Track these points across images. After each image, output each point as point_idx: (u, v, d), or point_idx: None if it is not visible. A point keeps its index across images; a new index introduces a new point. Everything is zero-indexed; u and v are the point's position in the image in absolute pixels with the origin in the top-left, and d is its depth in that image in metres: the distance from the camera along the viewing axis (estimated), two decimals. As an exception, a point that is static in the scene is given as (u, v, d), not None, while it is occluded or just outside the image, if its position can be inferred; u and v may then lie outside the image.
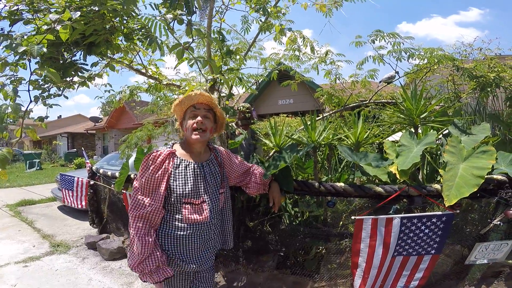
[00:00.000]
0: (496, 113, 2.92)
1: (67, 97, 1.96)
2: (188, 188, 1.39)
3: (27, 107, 1.53)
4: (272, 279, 2.10)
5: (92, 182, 3.85)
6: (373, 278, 1.64)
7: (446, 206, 1.42)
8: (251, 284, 2.13)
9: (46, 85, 1.79)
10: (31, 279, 2.80)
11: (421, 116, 1.96)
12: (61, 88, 1.89)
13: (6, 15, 1.52)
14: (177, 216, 1.40)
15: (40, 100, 1.76)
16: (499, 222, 1.50)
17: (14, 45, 1.40)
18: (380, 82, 3.64)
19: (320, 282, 1.98)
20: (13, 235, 4.15)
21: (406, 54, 2.57)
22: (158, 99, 3.74)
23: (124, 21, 1.81)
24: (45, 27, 1.51)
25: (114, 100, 3.37)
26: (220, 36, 2.44)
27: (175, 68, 2.18)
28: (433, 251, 1.59)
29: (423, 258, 1.62)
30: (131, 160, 3.00)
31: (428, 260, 1.62)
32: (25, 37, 1.49)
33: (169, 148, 1.45)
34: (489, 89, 2.50)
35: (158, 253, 1.33)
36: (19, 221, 4.88)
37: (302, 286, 2.01)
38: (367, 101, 3.34)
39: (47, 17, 1.51)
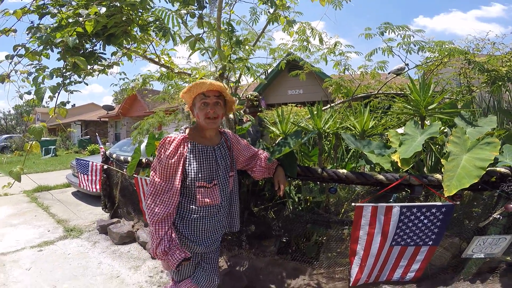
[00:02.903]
0: (510, 107, 2.86)
1: (87, 84, 2.08)
2: (202, 172, 1.45)
3: (59, 91, 1.71)
4: (273, 264, 2.17)
5: (105, 167, 3.99)
6: (370, 266, 1.67)
7: (446, 196, 1.44)
8: (252, 268, 2.20)
9: (67, 73, 1.90)
10: (45, 263, 2.92)
11: (428, 108, 1.96)
12: (82, 76, 2.01)
13: (34, 9, 1.63)
14: (191, 199, 1.46)
15: (62, 86, 1.88)
16: (498, 216, 1.49)
17: (45, 36, 1.52)
18: (389, 73, 3.60)
19: (319, 269, 2.04)
20: (30, 220, 4.33)
21: (416, 46, 2.54)
22: (170, 87, 3.82)
23: (139, 14, 1.89)
24: (69, 20, 1.62)
25: (127, 87, 3.47)
26: (230, 27, 2.47)
27: (188, 57, 2.24)
28: (431, 242, 1.60)
29: (421, 249, 1.63)
30: (143, 146, 3.11)
31: (425, 251, 1.63)
32: (48, 29, 1.62)
33: (182, 133, 1.49)
34: (500, 83, 2.45)
35: (172, 238, 1.38)
36: (36, 207, 5.08)
37: (301, 273, 2.07)
38: (376, 92, 3.32)
39: (75, 12, 1.62)
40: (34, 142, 1.66)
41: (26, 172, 9.04)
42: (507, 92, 2.90)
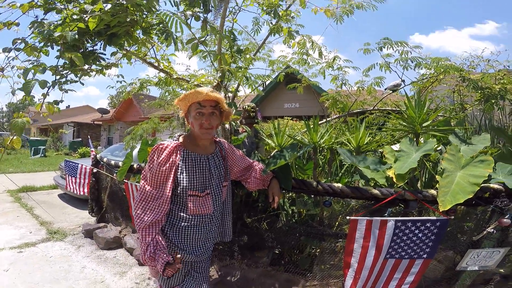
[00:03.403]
0: (501, 126, 2.93)
1: (83, 84, 2.05)
2: (194, 180, 1.43)
3: (49, 89, 1.66)
4: (266, 275, 2.13)
5: (95, 170, 3.91)
6: (364, 279, 1.66)
7: (441, 210, 1.45)
8: (244, 279, 2.16)
9: (64, 71, 1.88)
10: (24, 265, 2.83)
11: (423, 125, 1.99)
12: (78, 75, 1.98)
13: (41, 4, 1.62)
14: (182, 207, 1.44)
15: (57, 85, 1.85)
16: (492, 230, 1.52)
17: (46, 31, 1.50)
18: (385, 89, 3.68)
19: (312, 281, 2.01)
20: (11, 221, 4.20)
21: (413, 63, 2.60)
22: (167, 93, 3.81)
23: (144, 16, 1.90)
24: (73, 16, 1.61)
25: (124, 91, 3.45)
26: (232, 36, 2.51)
27: (189, 59, 2.25)
28: (425, 255, 1.61)
29: (415, 261, 1.63)
30: (135, 151, 3.07)
31: (420, 264, 1.63)
32: (52, 26, 1.60)
33: (175, 140, 1.47)
34: (493, 101, 2.52)
35: (159, 243, 1.36)
36: (19, 207, 4.95)
37: (294, 284, 2.03)
38: (372, 108, 3.37)
39: (81, 7, 1.62)
40: (15, 137, 1.61)
41: (11, 171, 8.84)
42: (498, 110, 2.98)
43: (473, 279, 1.75)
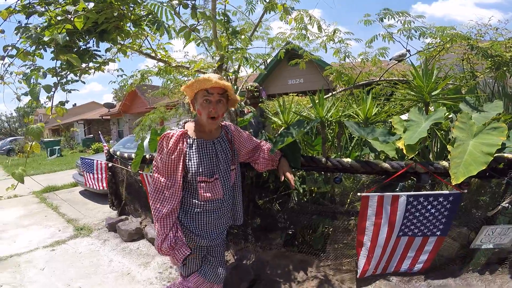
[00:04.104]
0: None
1: (84, 82, 2.05)
2: (202, 166, 1.44)
3: (54, 91, 1.69)
4: (280, 256, 2.17)
5: (110, 164, 4.00)
6: (377, 258, 1.66)
7: (453, 184, 1.41)
8: (259, 261, 2.21)
9: (63, 72, 1.88)
10: (57, 262, 2.97)
11: (432, 93, 1.90)
12: (78, 74, 1.98)
13: (20, 8, 1.59)
14: (193, 194, 1.47)
15: (59, 86, 1.86)
16: (507, 205, 1.46)
17: (34, 35, 1.49)
18: (390, 60, 3.52)
19: (326, 261, 2.03)
20: (40, 221, 4.38)
21: (416, 32, 2.46)
22: (168, 82, 3.78)
23: (131, 8, 1.84)
24: (58, 18, 1.58)
25: (126, 84, 3.44)
26: (225, 18, 2.41)
27: (183, 48, 2.19)
28: (438, 233, 1.58)
29: (429, 239, 1.61)
30: (146, 142, 3.10)
31: (433, 241, 1.61)
32: (38, 28, 1.58)
33: (181, 128, 1.48)
34: (505, 69, 2.39)
35: (178, 233, 1.41)
36: (45, 207, 5.15)
37: (308, 265, 2.07)
38: (378, 79, 3.25)
39: (62, 8, 1.58)
40: (34, 143, 1.66)
41: (33, 174, 9.20)
42: (511, 77, 2.83)
43: (488, 257, 1.71)
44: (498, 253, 1.73)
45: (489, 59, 2.45)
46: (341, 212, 2.00)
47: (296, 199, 2.28)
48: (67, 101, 2.02)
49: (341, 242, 1.98)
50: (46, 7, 1.59)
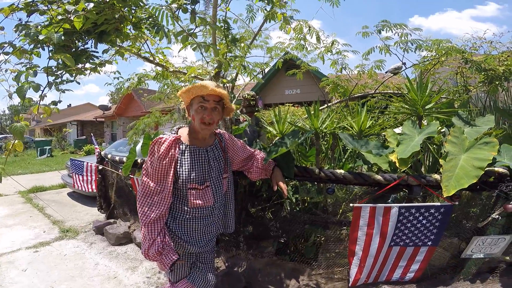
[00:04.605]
0: (506, 107, 2.86)
1: (79, 83, 2.03)
2: (194, 173, 1.42)
3: (43, 90, 1.65)
4: (272, 265, 2.15)
5: (100, 167, 3.95)
6: (369, 267, 1.66)
7: (445, 196, 1.43)
8: (251, 269, 2.18)
9: (59, 72, 1.86)
10: (41, 264, 2.89)
11: (426, 107, 1.94)
12: (73, 74, 1.96)
13: (23, 6, 1.59)
14: (183, 200, 1.44)
15: (53, 85, 1.84)
16: (497, 216, 1.49)
17: (32, 33, 1.48)
18: (386, 72, 3.60)
19: (318, 270, 2.02)
20: (25, 221, 4.27)
21: (413, 45, 2.52)
22: (165, 86, 3.78)
23: (133, 11, 1.86)
24: (59, 17, 1.58)
25: (122, 87, 3.43)
26: (226, 25, 2.44)
27: (179, 51, 2.19)
28: (430, 243, 1.59)
29: (420, 249, 1.62)
30: (139, 146, 3.07)
31: (424, 251, 1.62)
32: (39, 27, 1.58)
33: (174, 133, 1.46)
34: (497, 83, 2.45)
35: (166, 238, 1.38)
36: (31, 207, 5.02)
37: (300, 273, 2.05)
38: (373, 92, 3.31)
39: (62, 8, 1.58)
40: (16, 141, 1.62)
41: (20, 173, 8.98)
42: (503, 91, 2.90)
43: (478, 267, 1.73)
44: (488, 263, 1.76)
45: (483, 73, 2.52)
46: (333, 222, 2.00)
47: (289, 208, 2.28)
48: (60, 101, 1.99)
49: (333, 251, 1.97)
50: (49, 5, 1.59)
